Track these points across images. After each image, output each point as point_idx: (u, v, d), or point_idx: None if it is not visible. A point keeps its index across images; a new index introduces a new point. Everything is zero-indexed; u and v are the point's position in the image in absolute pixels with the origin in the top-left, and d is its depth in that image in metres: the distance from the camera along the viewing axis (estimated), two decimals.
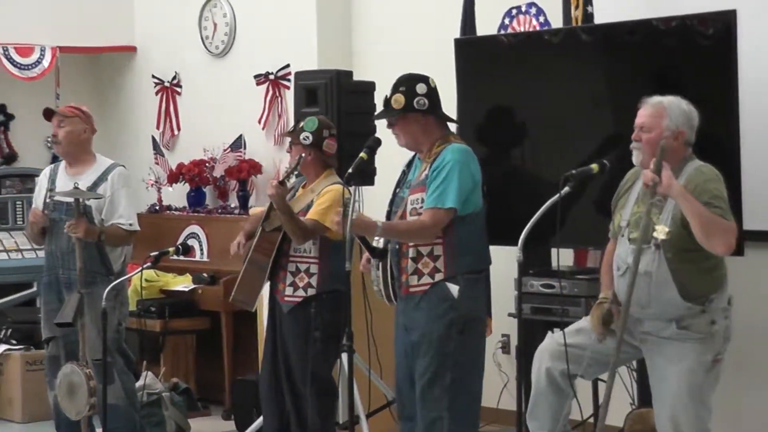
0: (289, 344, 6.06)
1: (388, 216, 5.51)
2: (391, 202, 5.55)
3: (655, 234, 4.79)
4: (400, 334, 5.53)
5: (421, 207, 5.33)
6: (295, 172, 6.03)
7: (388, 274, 5.46)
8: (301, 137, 6.04)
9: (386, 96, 5.48)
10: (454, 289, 5.31)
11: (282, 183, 5.89)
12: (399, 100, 5.42)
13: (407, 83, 5.45)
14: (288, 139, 7.11)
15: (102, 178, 6.51)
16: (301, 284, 6.02)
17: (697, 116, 4.99)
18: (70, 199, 6.37)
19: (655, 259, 4.85)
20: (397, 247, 5.42)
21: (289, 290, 6.03)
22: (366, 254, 5.55)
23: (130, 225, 6.48)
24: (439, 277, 5.33)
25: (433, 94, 5.44)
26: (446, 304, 5.31)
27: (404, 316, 5.46)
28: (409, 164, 5.58)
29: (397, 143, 5.53)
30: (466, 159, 5.36)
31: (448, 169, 5.29)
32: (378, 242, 5.50)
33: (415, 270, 5.36)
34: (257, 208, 6.52)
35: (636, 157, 5.01)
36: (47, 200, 6.57)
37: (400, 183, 5.57)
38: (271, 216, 6.01)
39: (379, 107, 6.61)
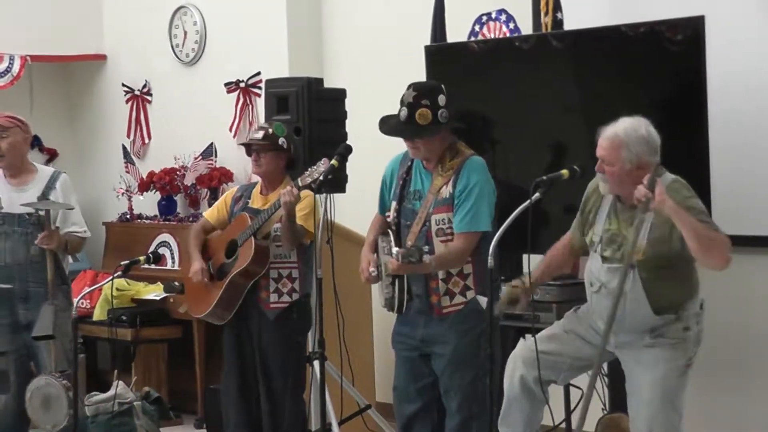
0: (269, 351, 6.09)
1: (398, 228, 5.41)
2: (399, 212, 5.43)
3: None
4: (406, 342, 5.47)
5: (449, 228, 5.29)
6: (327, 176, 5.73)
7: (404, 290, 5.36)
8: (280, 142, 6.06)
9: (406, 107, 5.26)
10: (483, 300, 5.29)
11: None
12: (426, 116, 5.25)
13: (430, 95, 5.28)
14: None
15: (50, 187, 6.44)
16: (285, 290, 6.07)
17: (657, 136, 4.86)
18: (23, 211, 6.30)
19: (630, 279, 4.81)
20: None
21: (273, 297, 6.08)
22: (369, 261, 5.40)
23: (84, 232, 6.46)
24: (470, 294, 5.33)
25: (448, 102, 5.34)
26: (475, 316, 5.30)
27: (425, 329, 5.39)
28: (408, 171, 5.46)
29: (411, 155, 5.39)
30: (488, 176, 5.35)
31: (477, 191, 5.26)
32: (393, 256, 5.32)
33: (446, 291, 5.33)
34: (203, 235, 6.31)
35: (603, 188, 4.96)
36: None
37: (404, 193, 5.43)
38: (263, 226, 6.00)
39: (352, 113, 6.67)
